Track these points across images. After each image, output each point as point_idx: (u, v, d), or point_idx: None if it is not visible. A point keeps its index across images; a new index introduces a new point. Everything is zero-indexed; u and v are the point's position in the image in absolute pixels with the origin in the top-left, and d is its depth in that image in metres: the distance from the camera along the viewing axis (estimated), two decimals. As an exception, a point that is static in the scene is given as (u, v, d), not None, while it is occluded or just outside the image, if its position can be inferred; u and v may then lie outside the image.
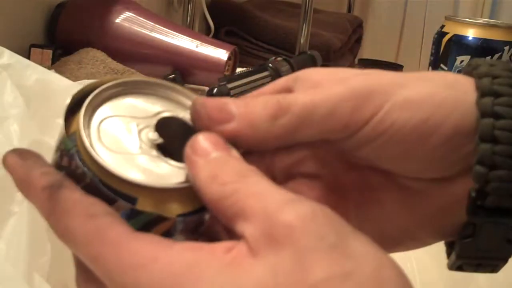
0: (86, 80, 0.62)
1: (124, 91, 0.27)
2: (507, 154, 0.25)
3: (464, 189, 0.26)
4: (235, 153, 0.24)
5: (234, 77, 0.79)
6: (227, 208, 0.22)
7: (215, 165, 0.23)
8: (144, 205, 0.24)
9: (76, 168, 0.24)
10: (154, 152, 0.25)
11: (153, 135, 0.26)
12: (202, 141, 0.24)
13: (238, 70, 0.98)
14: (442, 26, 0.91)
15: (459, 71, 0.87)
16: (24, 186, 0.24)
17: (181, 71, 0.90)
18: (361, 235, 0.21)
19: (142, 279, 0.21)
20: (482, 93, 0.25)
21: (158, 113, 0.27)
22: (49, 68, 0.74)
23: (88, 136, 0.24)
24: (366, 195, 0.29)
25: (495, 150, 0.25)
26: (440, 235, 0.29)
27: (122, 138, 0.25)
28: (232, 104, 0.26)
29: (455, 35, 0.88)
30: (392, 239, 0.29)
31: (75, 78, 0.72)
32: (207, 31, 1.36)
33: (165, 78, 0.86)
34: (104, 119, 0.26)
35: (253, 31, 1.32)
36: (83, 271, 0.24)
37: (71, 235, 0.23)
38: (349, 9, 1.92)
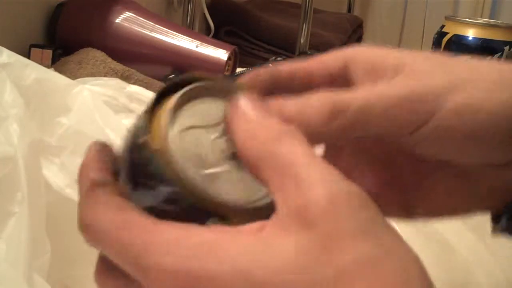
0: (87, 78, 0.62)
1: (195, 95, 0.26)
2: None
3: None
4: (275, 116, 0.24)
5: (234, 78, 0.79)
6: (265, 171, 0.22)
7: (255, 123, 0.23)
8: (237, 222, 0.23)
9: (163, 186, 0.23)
10: (231, 164, 0.24)
11: (225, 145, 0.25)
12: (243, 100, 0.24)
13: (238, 70, 0.98)
14: (442, 26, 0.91)
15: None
16: (81, 171, 0.25)
17: (181, 71, 0.90)
18: (393, 228, 0.21)
19: (167, 258, 0.21)
20: None
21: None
22: (48, 68, 0.74)
23: (174, 154, 0.23)
24: (420, 172, 0.30)
25: None
26: (490, 208, 0.30)
27: (202, 152, 0.24)
28: (289, 107, 0.25)
29: (455, 35, 0.88)
30: (445, 210, 0.30)
31: (75, 78, 0.72)
32: (207, 31, 1.36)
33: (165, 78, 0.86)
34: (182, 130, 0.24)
35: (253, 31, 1.32)
36: (107, 268, 0.24)
37: (101, 227, 0.23)
38: (349, 9, 1.92)
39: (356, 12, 1.93)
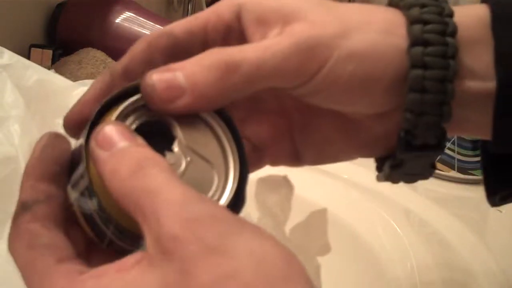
0: (88, 80, 0.62)
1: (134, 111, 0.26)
2: (436, 78, 0.27)
3: (398, 121, 0.28)
4: (140, 140, 0.24)
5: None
6: (129, 206, 0.22)
7: (116, 158, 0.23)
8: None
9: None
10: None
11: None
12: (103, 133, 0.23)
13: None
14: (442, 26, 0.91)
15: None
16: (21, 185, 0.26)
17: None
18: (248, 229, 0.21)
19: None
20: (412, 21, 0.27)
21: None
22: (49, 68, 0.74)
23: None
24: (309, 121, 0.31)
25: (425, 75, 0.27)
26: (372, 155, 0.32)
27: None
28: (180, 76, 0.25)
29: (455, 35, 0.88)
30: (330, 157, 0.32)
31: (75, 78, 0.72)
32: (207, 31, 1.36)
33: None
34: None
35: (253, 31, 1.32)
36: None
37: (14, 258, 0.24)
38: (349, 9, 1.92)
39: (356, 12, 1.93)
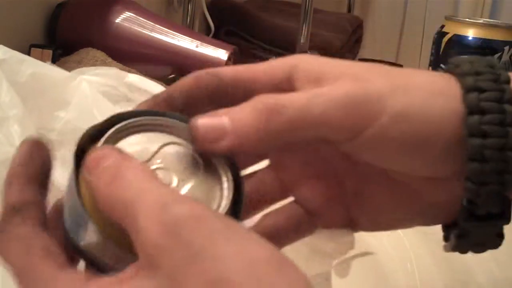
0: (85, 68, 0.62)
1: (128, 132, 0.26)
2: (495, 147, 0.25)
3: (457, 188, 0.27)
4: (117, 149, 0.24)
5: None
6: (116, 219, 0.22)
7: (112, 172, 0.23)
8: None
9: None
10: None
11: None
12: (90, 157, 0.24)
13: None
14: (442, 26, 0.91)
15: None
16: (4, 188, 0.25)
17: (181, 71, 0.90)
18: (235, 230, 0.21)
19: None
20: (467, 90, 0.26)
21: (162, 146, 0.26)
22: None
23: None
24: (362, 188, 0.30)
25: (484, 144, 0.26)
26: (430, 224, 0.30)
27: None
28: (224, 118, 0.25)
29: (455, 35, 0.88)
30: (386, 225, 0.31)
31: (75, 78, 0.72)
32: (207, 31, 1.35)
33: (165, 78, 0.86)
34: None
35: (253, 31, 1.32)
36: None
37: (9, 266, 0.24)
38: (349, 9, 1.91)
39: (356, 12, 1.93)
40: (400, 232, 0.53)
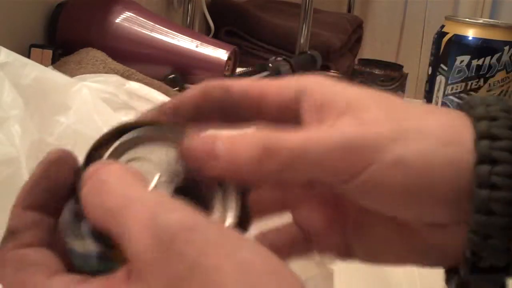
0: (87, 75, 0.62)
1: (136, 142, 0.27)
2: (504, 200, 0.24)
3: (459, 234, 0.26)
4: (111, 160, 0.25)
5: (234, 78, 0.79)
6: (109, 230, 0.22)
7: (99, 183, 0.23)
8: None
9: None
10: None
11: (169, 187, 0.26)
12: (90, 172, 0.24)
13: (238, 70, 0.98)
14: (442, 26, 0.91)
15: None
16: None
17: (181, 71, 0.90)
18: (230, 238, 0.21)
19: None
20: (480, 136, 0.25)
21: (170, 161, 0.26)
22: (49, 68, 0.73)
23: None
24: (363, 219, 0.29)
25: (492, 197, 0.24)
26: (431, 266, 0.29)
27: None
28: (219, 143, 0.25)
29: (455, 35, 0.88)
30: (382, 259, 0.30)
31: (75, 78, 0.72)
32: (207, 31, 1.36)
33: (165, 78, 0.86)
34: None
35: (253, 31, 1.32)
36: None
37: (4, 283, 0.24)
38: (349, 9, 1.92)
39: (356, 12, 1.93)
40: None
